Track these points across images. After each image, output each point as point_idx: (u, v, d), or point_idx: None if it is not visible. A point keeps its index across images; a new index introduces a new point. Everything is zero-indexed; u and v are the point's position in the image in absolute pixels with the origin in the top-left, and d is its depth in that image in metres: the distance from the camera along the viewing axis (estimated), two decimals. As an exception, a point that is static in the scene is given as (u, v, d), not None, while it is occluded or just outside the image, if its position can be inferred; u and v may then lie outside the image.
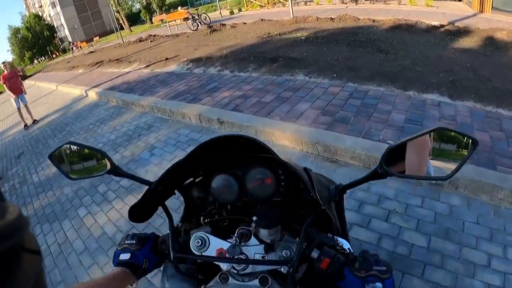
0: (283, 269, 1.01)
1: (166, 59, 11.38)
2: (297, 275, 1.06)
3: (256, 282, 1.03)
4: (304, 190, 1.20)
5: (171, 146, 5.31)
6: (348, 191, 1.21)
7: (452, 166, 0.91)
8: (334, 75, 5.92)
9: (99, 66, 16.02)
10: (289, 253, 1.00)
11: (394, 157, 0.96)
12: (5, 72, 10.33)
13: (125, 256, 1.10)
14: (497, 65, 6.13)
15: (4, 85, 10.29)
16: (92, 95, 10.58)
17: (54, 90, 15.81)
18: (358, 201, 3.20)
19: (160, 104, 6.77)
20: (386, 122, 4.14)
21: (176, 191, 1.33)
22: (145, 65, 11.79)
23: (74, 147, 1.24)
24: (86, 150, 1.23)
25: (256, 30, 12.39)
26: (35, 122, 10.57)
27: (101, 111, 8.63)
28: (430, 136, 0.92)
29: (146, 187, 1.17)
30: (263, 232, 1.04)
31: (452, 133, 0.91)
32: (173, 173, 1.14)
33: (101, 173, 1.22)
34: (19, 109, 10.41)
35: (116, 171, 1.21)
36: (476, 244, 2.60)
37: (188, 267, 1.21)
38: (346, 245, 1.07)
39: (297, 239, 1.03)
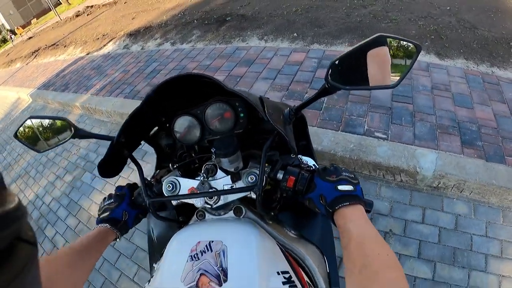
0: (253, 196, 1.03)
1: (103, 35, 10.02)
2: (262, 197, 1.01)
3: (231, 213, 1.10)
4: (264, 119, 1.09)
5: (113, 161, 4.25)
6: None
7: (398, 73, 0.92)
8: (295, 34, 4.81)
9: (35, 56, 14.61)
10: (254, 178, 1.03)
11: (339, 71, 0.94)
12: None
13: (104, 215, 1.11)
14: (478, 7, 5.18)
15: None
16: (27, 98, 9.27)
17: None
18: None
19: (95, 104, 5.60)
20: (368, 103, 3.26)
21: (145, 142, 1.32)
22: (80, 48, 10.49)
23: (36, 121, 1.21)
24: (48, 121, 1.22)
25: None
26: None
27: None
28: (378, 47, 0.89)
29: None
30: (225, 162, 1.05)
31: (394, 40, 0.89)
32: (134, 123, 1.11)
33: (67, 138, 1.18)
34: None
35: (80, 134, 1.17)
36: (486, 266, 2.29)
37: (170, 213, 1.24)
38: (311, 162, 1.17)
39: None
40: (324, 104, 3.32)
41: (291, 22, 5.33)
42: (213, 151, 1.06)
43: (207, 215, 1.12)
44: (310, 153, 1.43)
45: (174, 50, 6.17)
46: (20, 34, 37.47)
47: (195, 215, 1.13)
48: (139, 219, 1.20)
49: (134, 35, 8.26)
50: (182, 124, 1.21)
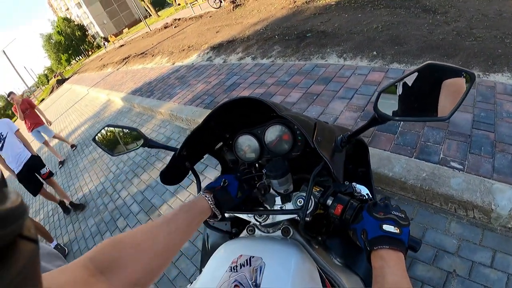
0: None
1: (188, 47, 10.58)
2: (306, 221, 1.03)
3: (279, 232, 1.13)
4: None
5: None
6: None
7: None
8: (374, 52, 4.73)
9: (126, 63, 15.86)
10: (302, 202, 1.06)
11: (389, 100, 0.91)
12: (15, 105, 7.85)
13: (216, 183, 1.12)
14: None
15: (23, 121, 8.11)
16: (117, 100, 10.21)
17: (85, 95, 16.01)
18: (408, 257, 2.20)
19: (177, 111, 5.98)
20: (446, 129, 3.04)
21: (210, 155, 1.43)
22: (167, 58, 11.26)
23: (112, 129, 1.38)
24: (122, 129, 1.38)
25: (282, -1, 11.11)
26: (73, 147, 8.86)
27: (125, 120, 8.20)
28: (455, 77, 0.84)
29: None
30: (275, 183, 1.08)
31: (445, 69, 0.84)
32: (196, 139, 1.21)
33: (138, 147, 1.33)
34: (45, 143, 8.52)
35: (149, 144, 1.30)
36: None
37: (223, 224, 1.34)
38: (364, 191, 1.09)
39: (316, 189, 1.06)
40: (399, 128, 3.20)
41: (371, 40, 5.26)
42: (264, 172, 1.10)
43: (257, 231, 1.17)
44: (368, 181, 1.43)
45: (255, 64, 6.36)
46: (113, 41, 40.62)
47: (245, 230, 1.20)
48: (245, 191, 1.17)
49: (218, 48, 8.62)
50: (243, 142, 1.30)
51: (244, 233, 1.20)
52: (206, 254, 1.41)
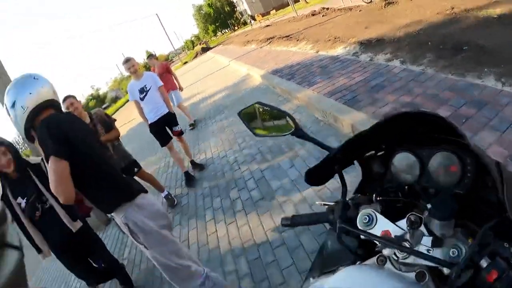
0: (445, 270, 0.89)
1: (334, 38, 10.67)
2: (459, 280, 0.86)
3: (412, 274, 0.95)
4: (492, 188, 1.00)
5: (313, 159, 4.71)
6: None
7: None
8: (540, 82, 4.38)
9: (269, 42, 16.47)
10: (456, 253, 0.88)
11: None
12: (153, 67, 8.72)
13: None
14: None
15: None
16: (256, 76, 10.86)
17: (226, 66, 17.13)
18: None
19: (315, 100, 6.22)
20: None
21: (356, 162, 1.34)
22: (311, 45, 11.47)
23: (261, 107, 1.36)
24: (272, 111, 1.33)
25: (438, 3, 10.52)
26: (191, 126, 9.54)
27: (260, 98, 8.57)
28: None
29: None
30: (435, 224, 0.92)
31: None
32: (355, 143, 1.16)
33: (285, 133, 1.29)
34: (178, 106, 9.32)
35: (299, 133, 1.25)
36: None
37: (350, 240, 1.18)
38: None
39: (470, 240, 0.90)
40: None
41: (539, 65, 4.79)
42: (428, 207, 0.95)
43: (388, 264, 1.01)
44: None
45: (403, 69, 6.22)
46: (259, 20, 42.39)
47: (375, 258, 1.03)
48: None
49: (365, 45, 8.58)
50: (403, 159, 1.16)
51: (373, 260, 1.04)
52: (320, 262, 1.30)
